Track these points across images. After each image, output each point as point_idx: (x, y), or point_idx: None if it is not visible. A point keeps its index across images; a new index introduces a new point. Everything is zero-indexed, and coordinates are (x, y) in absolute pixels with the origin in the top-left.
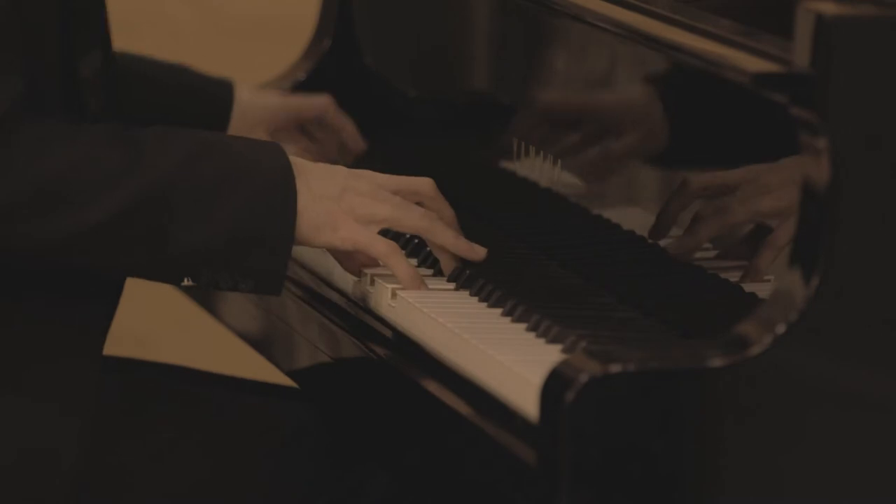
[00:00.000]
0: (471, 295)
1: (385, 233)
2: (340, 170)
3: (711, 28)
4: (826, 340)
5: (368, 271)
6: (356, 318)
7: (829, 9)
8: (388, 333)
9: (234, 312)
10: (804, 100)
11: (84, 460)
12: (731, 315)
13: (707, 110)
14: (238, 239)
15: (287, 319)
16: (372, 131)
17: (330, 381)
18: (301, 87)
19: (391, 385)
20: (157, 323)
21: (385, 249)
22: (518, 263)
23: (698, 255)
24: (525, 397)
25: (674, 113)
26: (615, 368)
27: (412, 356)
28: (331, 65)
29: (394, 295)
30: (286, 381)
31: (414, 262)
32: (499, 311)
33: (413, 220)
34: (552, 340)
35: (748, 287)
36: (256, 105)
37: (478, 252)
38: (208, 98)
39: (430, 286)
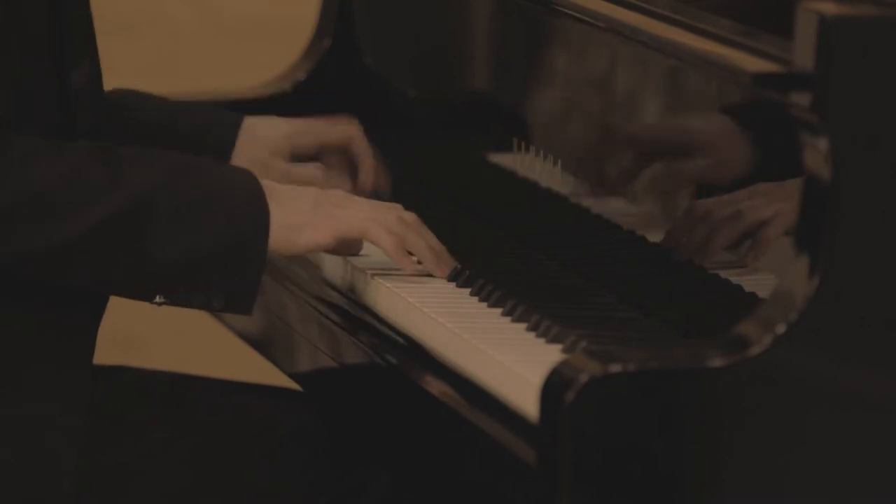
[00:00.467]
0: (471, 295)
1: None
2: (311, 188)
3: (711, 28)
4: (826, 340)
5: (368, 270)
6: (356, 317)
7: (830, 9)
8: (389, 333)
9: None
10: (804, 100)
11: (83, 462)
12: (731, 315)
13: (707, 110)
14: (214, 255)
15: (287, 319)
16: (372, 131)
17: (330, 381)
18: (301, 87)
19: (391, 385)
20: (158, 323)
21: (366, 223)
22: (518, 263)
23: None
24: (525, 397)
25: (673, 113)
26: (615, 368)
27: (412, 356)
28: (331, 65)
29: (394, 294)
30: (286, 381)
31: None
32: (499, 311)
33: (389, 223)
34: (552, 340)
35: (748, 287)
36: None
37: (442, 268)
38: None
39: (431, 286)
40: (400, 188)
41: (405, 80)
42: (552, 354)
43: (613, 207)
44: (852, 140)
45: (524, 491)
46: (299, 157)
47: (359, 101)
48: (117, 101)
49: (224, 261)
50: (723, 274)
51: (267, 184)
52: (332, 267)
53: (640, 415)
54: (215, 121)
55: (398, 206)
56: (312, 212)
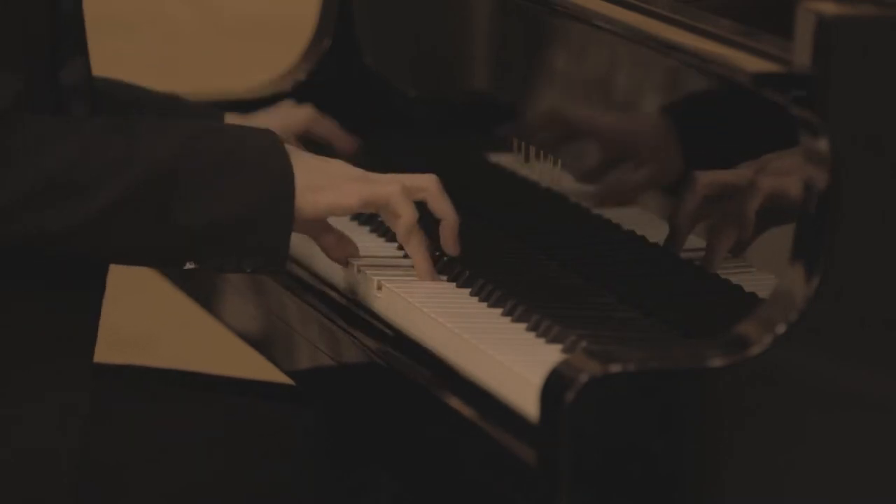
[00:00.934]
0: (471, 295)
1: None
2: (335, 159)
3: (711, 28)
4: (826, 340)
5: (353, 260)
6: (356, 318)
7: (829, 9)
8: (388, 333)
9: (235, 312)
10: (804, 100)
11: (83, 461)
12: (731, 315)
13: (707, 110)
14: (241, 216)
15: (287, 319)
16: (372, 131)
17: (330, 381)
18: (301, 87)
19: (391, 385)
20: (158, 323)
21: (394, 188)
22: (518, 263)
23: (696, 254)
24: (525, 397)
25: (673, 113)
26: (615, 368)
27: (412, 356)
28: (331, 65)
29: (379, 286)
30: (287, 381)
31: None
32: (499, 311)
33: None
34: (552, 340)
35: (748, 287)
36: None
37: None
38: None
39: (430, 286)
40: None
41: (405, 80)
42: (552, 354)
43: (613, 207)
44: (852, 140)
45: (524, 491)
46: None
47: (359, 101)
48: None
49: (252, 221)
50: (723, 274)
51: (291, 147)
52: (333, 267)
53: (640, 415)
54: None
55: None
56: (336, 175)
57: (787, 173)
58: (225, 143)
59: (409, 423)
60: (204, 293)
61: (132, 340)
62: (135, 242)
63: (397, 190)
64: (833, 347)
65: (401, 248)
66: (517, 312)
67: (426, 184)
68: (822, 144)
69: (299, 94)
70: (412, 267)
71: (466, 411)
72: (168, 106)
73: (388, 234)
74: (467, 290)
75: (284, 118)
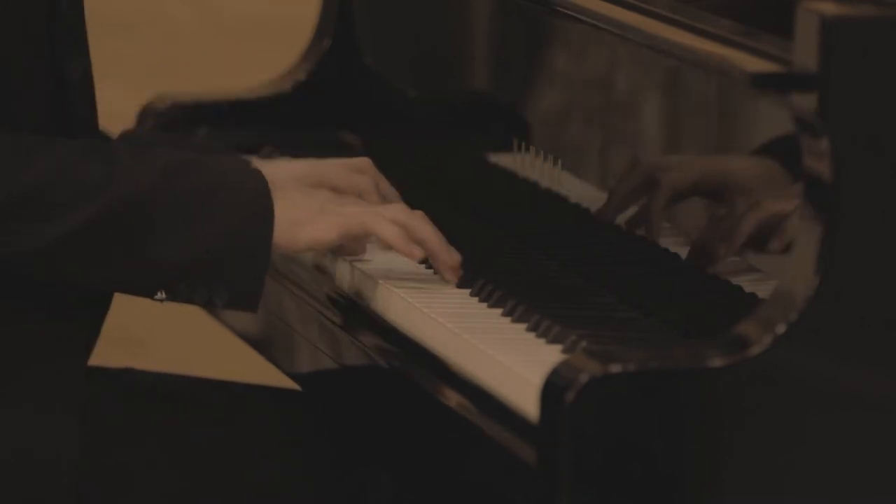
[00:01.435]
0: (471, 295)
1: None
2: (319, 189)
3: (711, 28)
4: (826, 340)
5: (368, 271)
6: (356, 318)
7: (830, 9)
8: (388, 334)
9: (234, 313)
10: (804, 100)
11: (83, 462)
12: (731, 315)
13: (707, 110)
14: (215, 252)
15: (287, 319)
16: (372, 131)
17: (329, 382)
18: (301, 87)
19: (391, 385)
20: (157, 324)
21: (370, 215)
22: (518, 263)
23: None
24: (525, 397)
25: (673, 113)
26: (615, 368)
27: (412, 356)
28: (331, 65)
29: (394, 294)
30: (287, 382)
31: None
32: (499, 311)
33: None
34: (552, 340)
35: (748, 287)
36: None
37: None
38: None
39: (430, 286)
40: (400, 188)
41: (405, 80)
42: (552, 354)
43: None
44: (852, 140)
45: (524, 491)
46: None
47: (359, 101)
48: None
49: (226, 258)
50: (723, 274)
51: (273, 179)
52: (333, 267)
53: (640, 415)
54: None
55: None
56: (317, 208)
57: (786, 174)
58: (205, 177)
59: (409, 424)
60: None
61: (132, 341)
62: (102, 270)
63: (372, 217)
64: (833, 347)
65: None
66: (517, 312)
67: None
68: (822, 144)
69: (299, 94)
70: (412, 267)
71: (466, 411)
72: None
73: None
74: (467, 290)
75: (337, 175)
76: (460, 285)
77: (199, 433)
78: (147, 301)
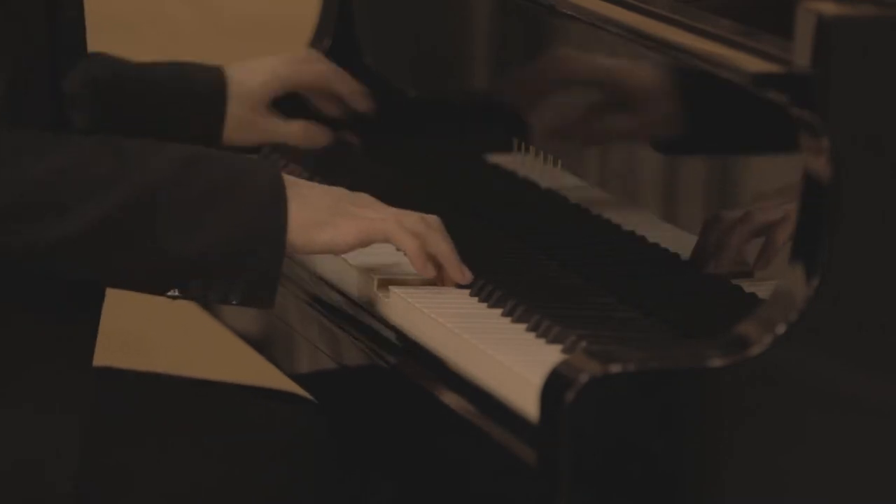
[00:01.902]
0: (471, 295)
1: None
2: (335, 188)
3: (711, 28)
4: (826, 340)
5: (375, 274)
6: (356, 318)
7: (829, 9)
8: (388, 333)
9: (235, 313)
10: (804, 100)
11: (84, 462)
12: (731, 315)
13: (707, 110)
14: (228, 249)
15: (287, 320)
16: (372, 131)
17: (330, 382)
18: None
19: (391, 385)
20: (158, 324)
21: (391, 225)
22: (518, 263)
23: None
24: (525, 397)
25: (673, 113)
26: (615, 368)
27: (412, 356)
28: None
29: (394, 294)
30: (287, 383)
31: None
32: (499, 311)
33: (412, 224)
34: (552, 340)
35: (748, 287)
36: (250, 82)
37: (463, 275)
38: (201, 88)
39: (430, 286)
40: (400, 188)
41: (405, 80)
42: (552, 354)
43: (613, 207)
44: (852, 140)
45: (524, 491)
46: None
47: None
48: (95, 72)
49: (239, 256)
50: (723, 274)
51: (289, 178)
52: (333, 268)
53: (640, 415)
54: (201, 79)
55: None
56: (334, 209)
57: (786, 173)
58: (218, 173)
59: (409, 424)
60: None
61: (133, 342)
62: (114, 266)
63: (393, 225)
64: (833, 348)
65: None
66: (517, 312)
67: (421, 226)
68: (823, 144)
69: (299, 93)
70: (413, 267)
71: (466, 411)
72: (172, 73)
73: None
74: (467, 291)
75: (292, 62)
76: (460, 286)
77: (199, 434)
78: (147, 301)
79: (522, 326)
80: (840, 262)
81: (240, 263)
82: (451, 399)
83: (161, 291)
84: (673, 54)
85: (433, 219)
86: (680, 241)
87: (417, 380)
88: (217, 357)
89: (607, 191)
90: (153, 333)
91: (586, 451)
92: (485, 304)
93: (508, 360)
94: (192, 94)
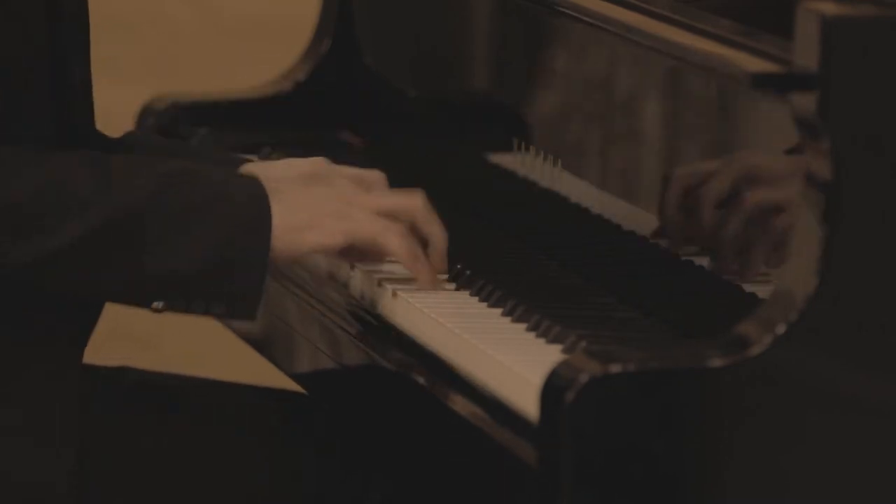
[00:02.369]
0: (471, 295)
1: None
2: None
3: (711, 28)
4: (826, 340)
5: (375, 274)
6: (356, 318)
7: (830, 9)
8: (388, 333)
9: None
10: (804, 100)
11: (83, 462)
12: (731, 315)
13: (707, 110)
14: (210, 265)
15: (287, 320)
16: (372, 131)
17: (330, 382)
18: (301, 87)
19: (391, 385)
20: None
21: (377, 226)
22: (518, 263)
23: (698, 254)
24: (525, 397)
25: (673, 113)
26: (615, 368)
27: (412, 356)
28: (331, 65)
29: (394, 294)
30: (287, 383)
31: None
32: (499, 311)
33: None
34: (552, 340)
35: (748, 287)
36: None
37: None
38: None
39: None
40: (400, 188)
41: (405, 80)
42: (552, 354)
43: (613, 207)
44: (852, 140)
45: (525, 491)
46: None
47: (359, 101)
48: (130, 147)
49: (221, 271)
50: (723, 274)
51: (270, 183)
52: (333, 268)
53: (640, 415)
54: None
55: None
56: (319, 208)
57: (786, 174)
58: (199, 189)
59: (409, 424)
60: None
61: (133, 341)
62: (98, 281)
63: (380, 228)
64: (833, 348)
65: None
66: (517, 312)
67: (409, 206)
68: (823, 144)
69: (299, 94)
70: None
71: (466, 411)
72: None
73: None
74: (467, 291)
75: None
76: (460, 286)
77: (199, 433)
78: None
79: (522, 326)
80: (840, 262)
81: (222, 279)
82: (451, 399)
83: (143, 305)
84: (673, 54)
85: (418, 196)
86: (680, 243)
87: (417, 380)
88: (217, 357)
89: (607, 191)
90: (154, 332)
91: (587, 452)
92: (485, 304)
93: (508, 360)
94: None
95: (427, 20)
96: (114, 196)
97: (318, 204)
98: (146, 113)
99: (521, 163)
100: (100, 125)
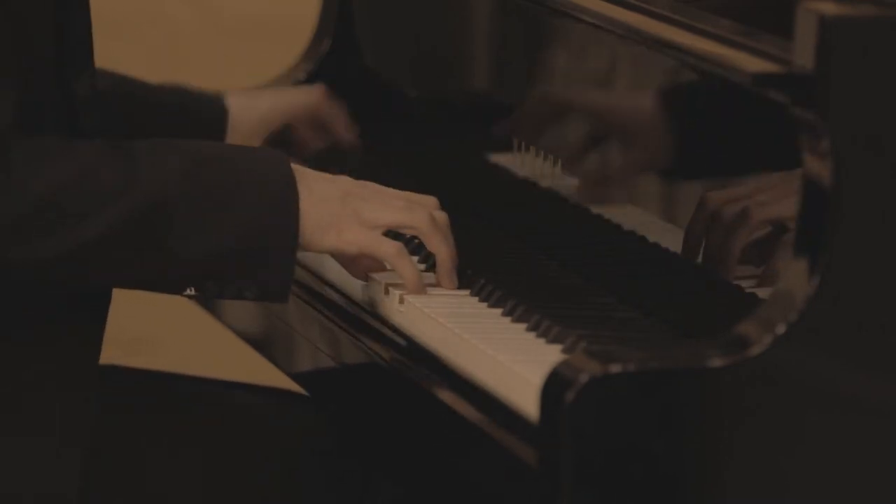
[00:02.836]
0: (471, 295)
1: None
2: (343, 177)
3: (711, 28)
4: (826, 340)
5: (374, 275)
6: (356, 318)
7: (830, 9)
8: (388, 333)
9: (236, 314)
10: (804, 100)
11: (86, 463)
12: (731, 315)
13: (707, 110)
14: (241, 249)
15: (288, 320)
16: (372, 131)
17: (330, 382)
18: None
19: (391, 385)
20: (159, 323)
21: (392, 251)
22: (518, 263)
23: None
24: (525, 397)
25: (673, 113)
26: (615, 368)
27: (412, 356)
28: (331, 65)
29: (402, 300)
30: (287, 383)
31: (414, 258)
32: (499, 311)
33: (417, 222)
34: (552, 340)
35: (748, 287)
36: (249, 115)
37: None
38: (201, 116)
39: (430, 285)
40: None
41: (405, 80)
42: (552, 354)
43: (613, 207)
44: (852, 140)
45: (525, 492)
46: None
47: (359, 101)
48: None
49: (251, 255)
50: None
51: (299, 171)
52: (333, 268)
53: (640, 415)
54: (202, 108)
55: (432, 202)
56: (342, 209)
57: (786, 175)
58: (229, 173)
59: (409, 424)
60: None
61: (135, 342)
62: (129, 271)
63: (396, 250)
64: (833, 348)
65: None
66: (517, 312)
67: (419, 221)
68: (823, 144)
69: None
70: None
71: (466, 411)
72: (174, 98)
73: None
74: (467, 290)
75: (291, 99)
76: (460, 285)
77: (199, 433)
78: (148, 301)
79: (522, 326)
80: (840, 262)
81: (254, 263)
82: (451, 399)
83: (176, 292)
84: (673, 54)
85: (442, 216)
86: (680, 241)
87: (417, 380)
88: (217, 356)
89: (607, 191)
90: (154, 333)
91: (587, 452)
92: (485, 304)
93: (508, 360)
94: (192, 121)
95: (427, 20)
96: (141, 185)
97: (341, 202)
98: None
99: (521, 163)
100: None
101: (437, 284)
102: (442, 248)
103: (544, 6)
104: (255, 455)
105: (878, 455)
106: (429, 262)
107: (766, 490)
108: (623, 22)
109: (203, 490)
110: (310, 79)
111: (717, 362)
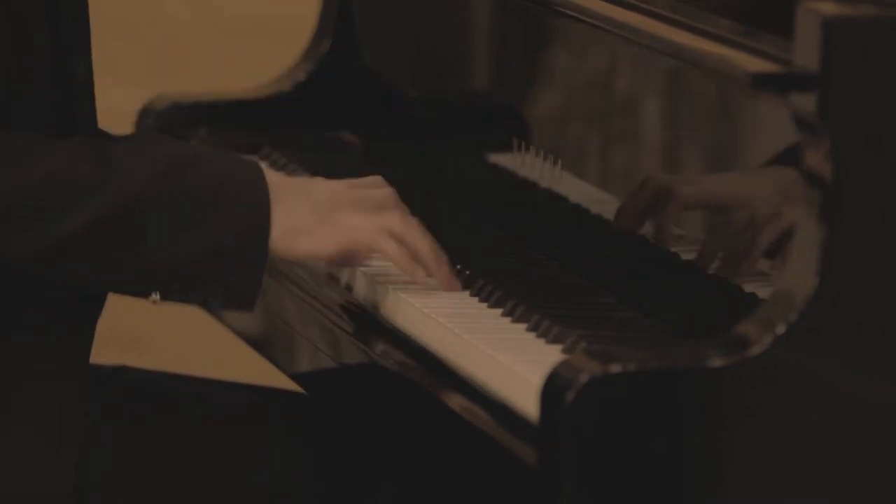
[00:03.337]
0: (471, 295)
1: None
2: (318, 181)
3: (711, 28)
4: (826, 340)
5: (376, 276)
6: (356, 318)
7: (830, 9)
8: (388, 334)
9: (236, 314)
10: (804, 100)
11: (83, 462)
12: (731, 315)
13: (707, 110)
14: (210, 255)
15: (287, 320)
16: (372, 131)
17: (330, 382)
18: (301, 87)
19: (391, 385)
20: (156, 323)
21: (373, 233)
22: (518, 263)
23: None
24: (525, 397)
25: (673, 113)
26: (615, 368)
27: (412, 356)
28: (331, 65)
29: (395, 294)
30: (287, 383)
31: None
32: (499, 311)
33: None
34: (552, 340)
35: (748, 287)
36: None
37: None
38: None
39: (430, 287)
40: (400, 188)
41: (405, 80)
42: (552, 354)
43: (613, 207)
44: (852, 140)
45: (525, 492)
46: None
47: (359, 101)
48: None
49: (222, 261)
50: (723, 274)
51: (272, 180)
52: (335, 268)
53: (640, 415)
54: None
55: (400, 206)
56: (317, 215)
57: (787, 174)
58: (203, 177)
59: (409, 424)
60: None
61: (131, 341)
62: (97, 272)
63: (373, 235)
64: (833, 348)
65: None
66: (517, 312)
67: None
68: (823, 144)
69: (299, 94)
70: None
71: (466, 411)
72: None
73: None
74: (467, 291)
75: None
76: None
77: (199, 433)
78: (145, 300)
79: (522, 326)
80: (840, 262)
81: (222, 270)
82: (451, 399)
83: (142, 295)
84: (673, 54)
85: (412, 220)
86: (680, 242)
87: (417, 380)
88: (217, 356)
89: (607, 191)
90: (151, 333)
91: (587, 452)
92: (485, 304)
93: (508, 360)
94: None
95: (427, 20)
96: (117, 185)
97: (316, 209)
98: (146, 113)
99: (521, 163)
100: (100, 125)
101: (430, 275)
102: (419, 242)
103: (544, 6)
104: (255, 455)
105: (878, 455)
106: None
107: (766, 490)
108: (623, 22)
109: (202, 490)
110: (310, 79)
111: (717, 362)
